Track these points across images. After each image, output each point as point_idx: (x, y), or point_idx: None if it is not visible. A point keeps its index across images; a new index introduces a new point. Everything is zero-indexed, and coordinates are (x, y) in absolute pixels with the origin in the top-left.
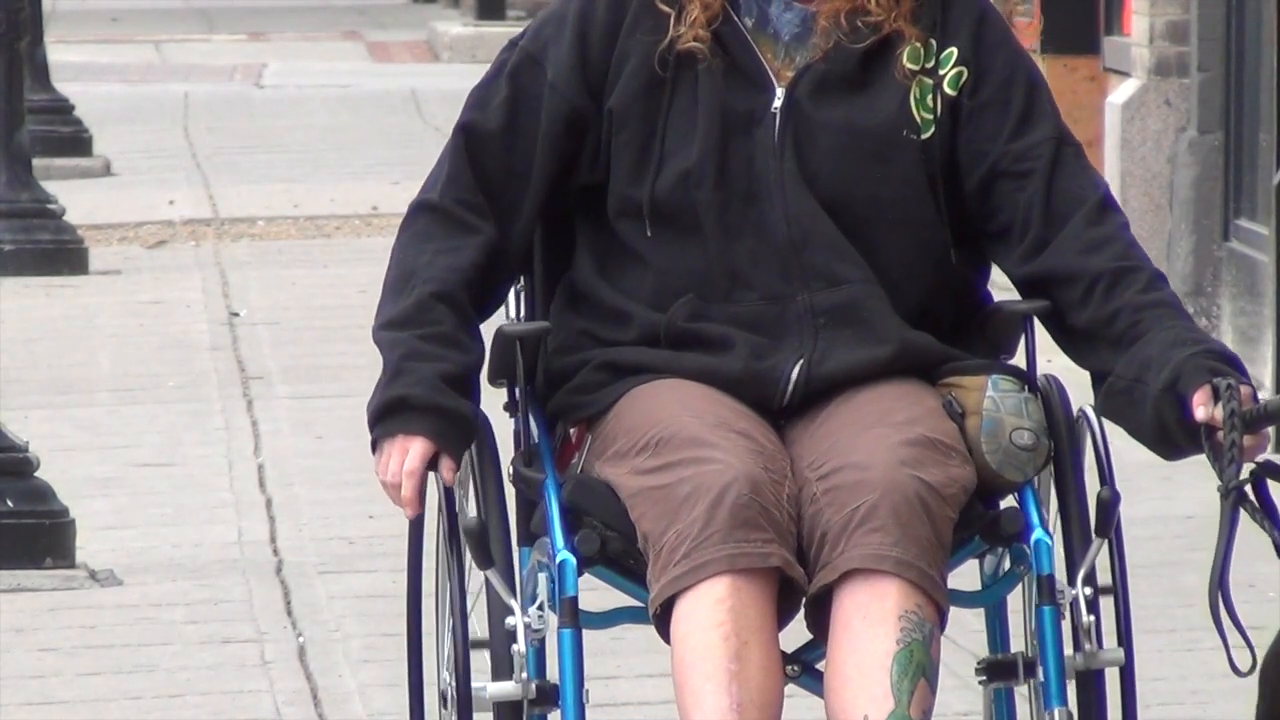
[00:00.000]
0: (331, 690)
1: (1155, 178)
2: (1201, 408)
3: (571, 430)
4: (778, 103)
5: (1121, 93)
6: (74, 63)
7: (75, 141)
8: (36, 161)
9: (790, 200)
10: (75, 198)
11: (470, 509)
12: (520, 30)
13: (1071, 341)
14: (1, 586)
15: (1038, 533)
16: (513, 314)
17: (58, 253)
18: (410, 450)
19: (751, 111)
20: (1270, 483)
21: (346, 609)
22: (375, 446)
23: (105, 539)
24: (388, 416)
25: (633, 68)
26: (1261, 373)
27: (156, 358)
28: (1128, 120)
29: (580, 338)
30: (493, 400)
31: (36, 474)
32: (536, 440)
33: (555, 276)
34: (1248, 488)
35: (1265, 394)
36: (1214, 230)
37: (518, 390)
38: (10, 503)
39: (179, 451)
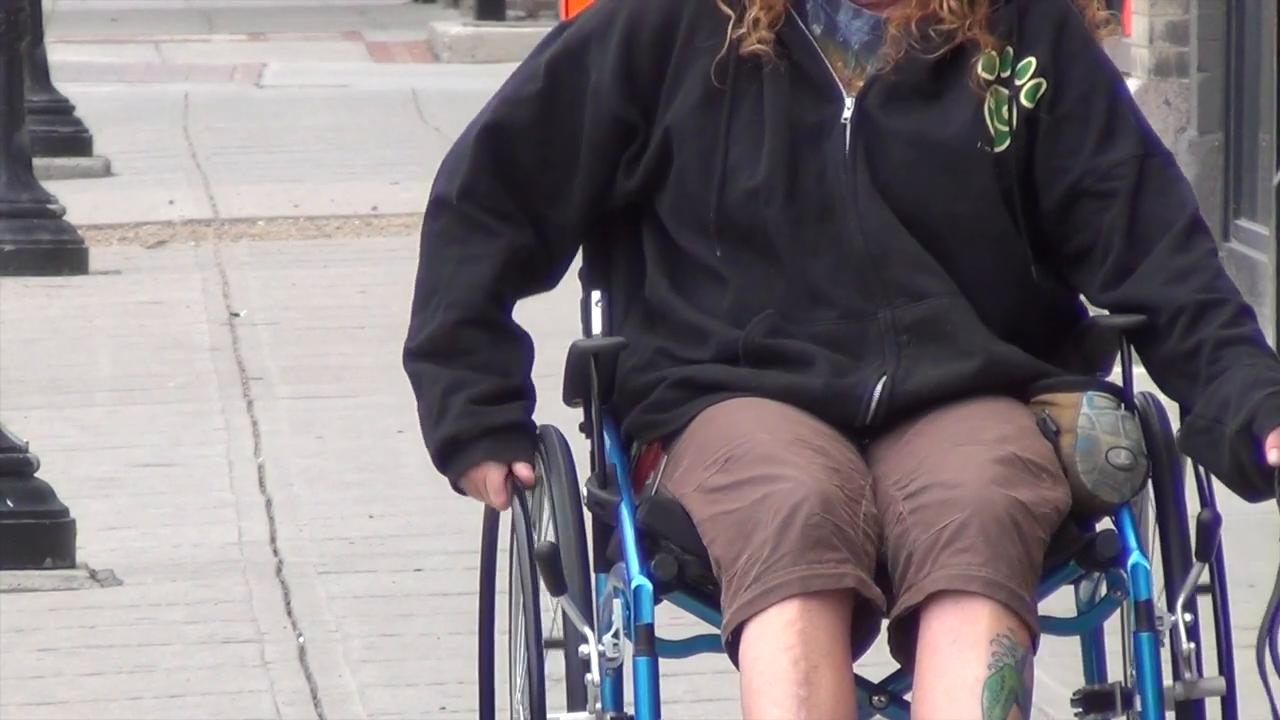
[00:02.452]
0: (331, 690)
1: None
2: (1275, 450)
3: (646, 450)
4: (847, 113)
5: None
6: (74, 63)
7: (75, 141)
8: (36, 161)
9: (865, 214)
10: (75, 198)
11: (549, 533)
12: (554, 26)
13: (1154, 371)
14: (1, 586)
15: (1135, 556)
16: (596, 329)
17: (58, 253)
18: (487, 482)
19: (820, 123)
20: None
21: (346, 609)
22: (456, 488)
23: (105, 539)
24: (450, 458)
25: (691, 82)
26: None
27: (156, 358)
28: None
29: (657, 355)
30: (570, 421)
31: (36, 474)
32: (612, 461)
33: (632, 294)
34: None
35: None
36: (1214, 230)
37: (597, 408)
38: (10, 503)
39: (179, 451)
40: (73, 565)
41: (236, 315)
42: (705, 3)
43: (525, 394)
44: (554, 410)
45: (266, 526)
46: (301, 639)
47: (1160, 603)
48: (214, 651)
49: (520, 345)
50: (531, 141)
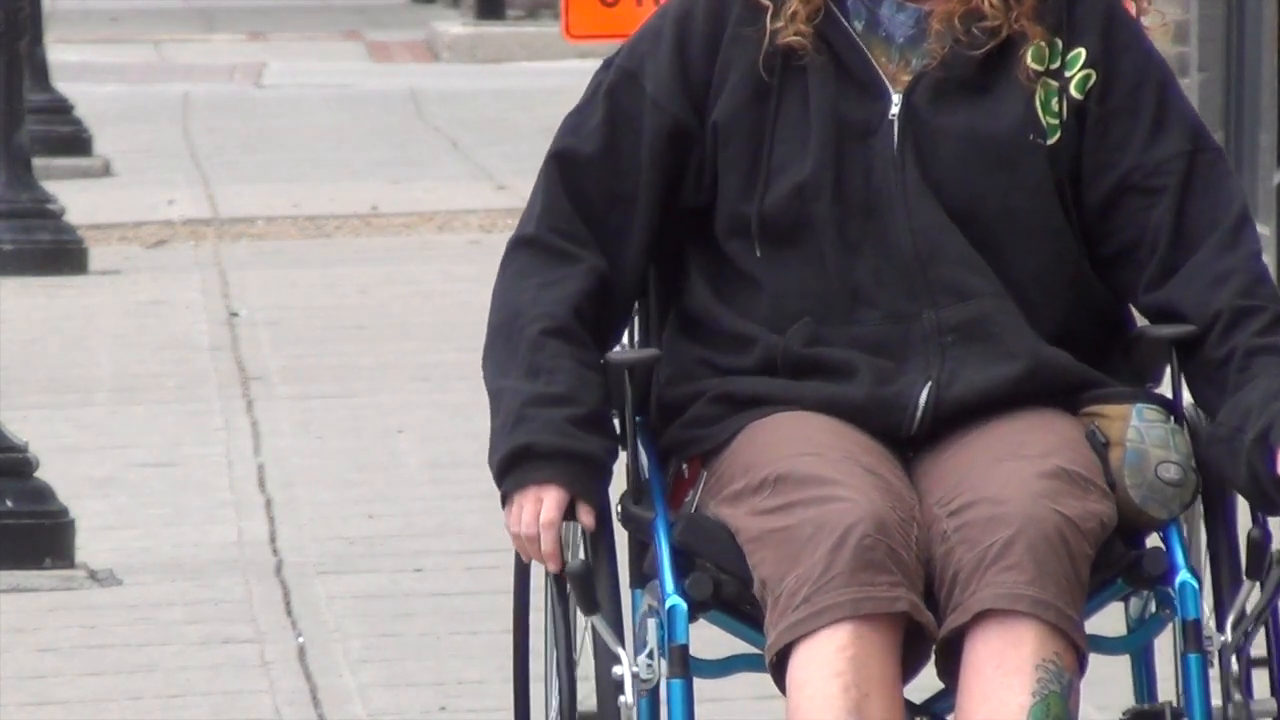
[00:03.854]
0: (331, 690)
1: None
2: None
3: (685, 466)
4: (894, 109)
5: None
6: (74, 63)
7: (75, 141)
8: (36, 161)
9: (914, 212)
10: (75, 198)
11: (580, 550)
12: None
13: (1188, 378)
14: (1, 586)
15: (1182, 575)
16: (628, 341)
17: (58, 253)
18: (545, 500)
19: (867, 120)
20: None
21: (346, 609)
22: (505, 500)
23: (105, 539)
24: (515, 467)
25: (736, 78)
26: None
27: (156, 358)
28: None
29: (696, 366)
30: None
31: (36, 474)
32: (647, 476)
33: (669, 303)
34: None
35: None
36: None
37: (630, 422)
38: (10, 503)
39: (179, 451)
40: (72, 565)
41: (236, 315)
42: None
43: (609, 428)
44: None
45: (266, 526)
46: (301, 639)
47: (1211, 622)
48: (214, 651)
49: (600, 375)
50: (597, 173)
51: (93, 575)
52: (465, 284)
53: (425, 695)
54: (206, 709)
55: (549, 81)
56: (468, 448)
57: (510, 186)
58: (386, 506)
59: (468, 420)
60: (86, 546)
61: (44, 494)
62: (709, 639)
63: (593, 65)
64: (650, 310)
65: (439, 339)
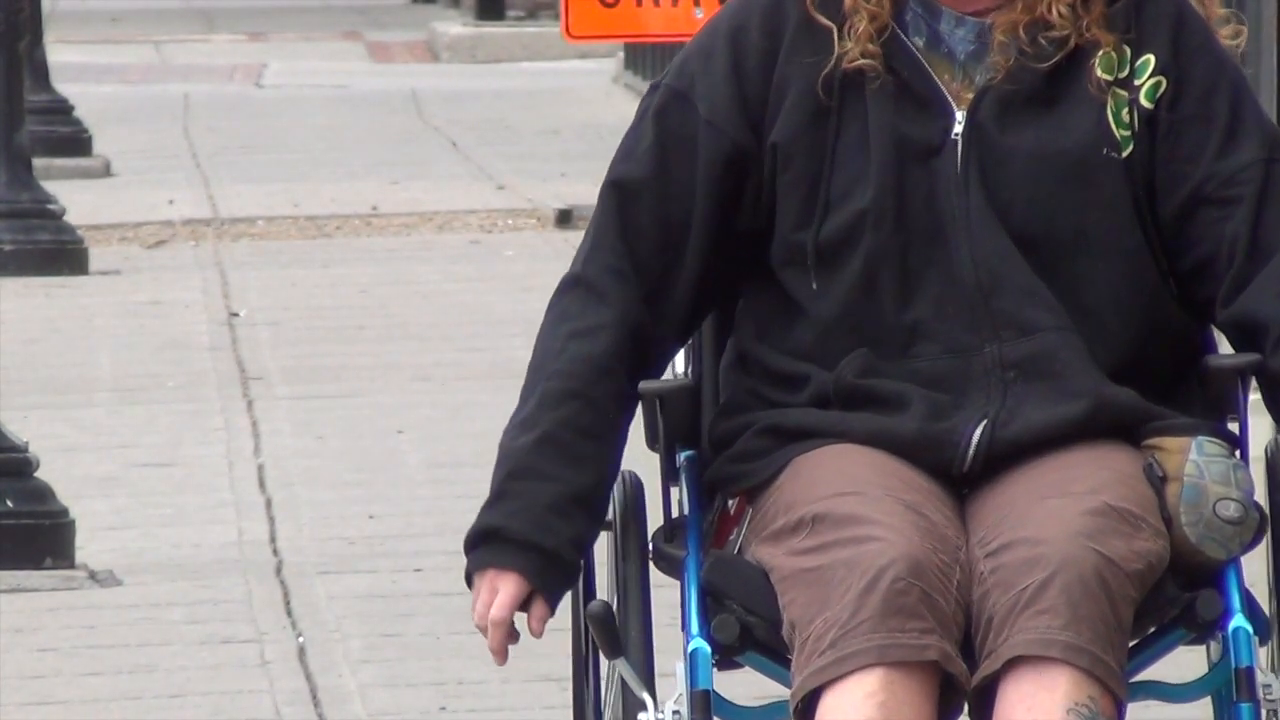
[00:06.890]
0: (331, 690)
1: None
2: None
3: (731, 502)
4: (958, 128)
5: None
6: (74, 63)
7: (75, 141)
8: (36, 161)
9: (977, 239)
10: (75, 198)
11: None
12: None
13: (1264, 396)
14: (1, 586)
15: (1237, 619)
16: (680, 367)
17: (58, 253)
18: (500, 591)
19: (929, 139)
20: None
21: (346, 609)
22: (469, 580)
23: (105, 539)
24: (480, 545)
25: (794, 98)
26: None
27: (156, 358)
28: None
29: (749, 397)
30: (650, 464)
31: (36, 474)
32: (687, 512)
33: (725, 331)
34: None
35: None
36: None
37: (671, 454)
38: (10, 503)
39: (179, 451)
40: (72, 565)
41: (236, 315)
42: (805, 16)
43: (592, 509)
44: (637, 450)
45: (266, 526)
46: (301, 639)
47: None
48: (214, 651)
49: (613, 444)
50: (651, 198)
51: (93, 575)
52: (465, 284)
53: (425, 695)
54: (206, 709)
55: (549, 81)
56: (468, 448)
57: (510, 186)
58: (386, 506)
59: (468, 420)
60: (86, 546)
61: (44, 494)
62: (751, 683)
63: (593, 65)
64: (702, 341)
65: (439, 339)
